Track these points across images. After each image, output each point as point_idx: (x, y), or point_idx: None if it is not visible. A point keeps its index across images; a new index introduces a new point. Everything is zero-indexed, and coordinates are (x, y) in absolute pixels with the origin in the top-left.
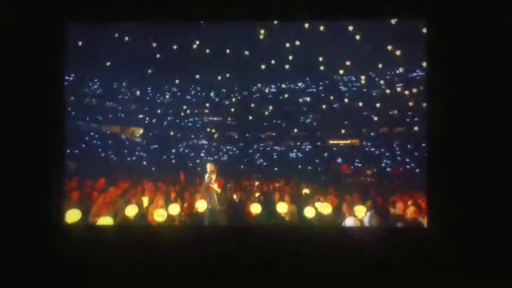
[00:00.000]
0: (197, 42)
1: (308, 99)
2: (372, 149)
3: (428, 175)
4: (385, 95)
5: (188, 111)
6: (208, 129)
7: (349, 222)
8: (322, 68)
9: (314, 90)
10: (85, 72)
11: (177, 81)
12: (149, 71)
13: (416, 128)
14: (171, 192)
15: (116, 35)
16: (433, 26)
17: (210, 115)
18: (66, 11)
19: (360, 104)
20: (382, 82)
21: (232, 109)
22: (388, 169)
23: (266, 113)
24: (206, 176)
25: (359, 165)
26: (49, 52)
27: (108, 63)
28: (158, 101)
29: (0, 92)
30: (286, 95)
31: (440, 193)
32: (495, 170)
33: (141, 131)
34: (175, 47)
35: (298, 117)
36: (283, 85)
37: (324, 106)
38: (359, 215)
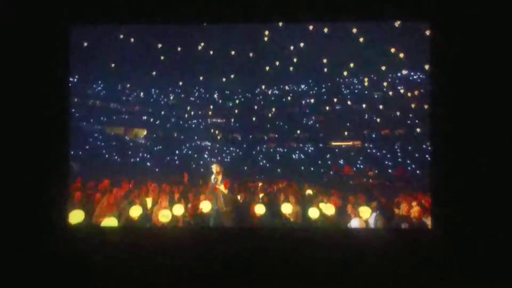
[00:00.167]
0: (202, 44)
1: (310, 101)
2: (374, 150)
3: (432, 176)
4: (387, 97)
5: (192, 113)
6: (212, 131)
7: (354, 223)
8: (325, 70)
9: (317, 92)
10: (89, 74)
11: (181, 83)
12: (153, 72)
13: (418, 130)
14: (175, 193)
15: (121, 36)
16: (437, 29)
17: (214, 116)
18: (70, 13)
19: (363, 106)
20: (384, 84)
21: (236, 111)
22: (390, 171)
23: (270, 115)
24: (212, 177)
25: (361, 166)
26: (53, 54)
27: (113, 65)
28: (162, 102)
29: (4, 92)
30: (289, 97)
31: (444, 194)
32: (498, 171)
33: (145, 132)
34: (179, 49)
35: (301, 119)
36: (286, 87)
37: (327, 108)
38: (364, 216)
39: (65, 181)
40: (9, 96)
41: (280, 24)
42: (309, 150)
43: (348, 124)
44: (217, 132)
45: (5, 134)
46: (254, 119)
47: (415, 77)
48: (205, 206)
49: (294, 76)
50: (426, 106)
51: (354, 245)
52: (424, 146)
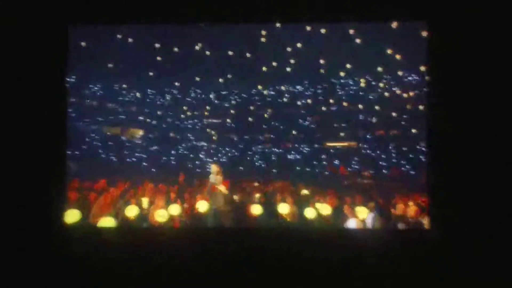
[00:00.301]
0: (199, 45)
1: (306, 101)
2: (368, 151)
3: (429, 177)
4: (382, 98)
5: (188, 113)
6: (208, 131)
7: (351, 223)
8: (321, 71)
9: (313, 93)
10: (86, 74)
11: (177, 83)
12: (150, 73)
13: (413, 131)
14: (171, 193)
15: (119, 36)
16: (434, 29)
17: (210, 117)
18: (69, 13)
19: (359, 107)
20: (380, 85)
21: (232, 111)
22: (385, 171)
23: (265, 115)
24: (211, 177)
25: (356, 167)
26: (53, 54)
27: (110, 65)
28: (158, 103)
29: (3, 92)
30: (285, 98)
31: (441, 195)
32: (496, 170)
33: (141, 132)
34: (176, 49)
35: (296, 119)
36: (282, 88)
37: (322, 109)
38: (361, 216)
39: (62, 180)
40: (7, 96)
41: (278, 25)
42: (305, 151)
43: (343, 125)
44: (213, 132)
45: (2, 133)
46: (250, 119)
47: (410, 78)
48: (202, 206)
49: (290, 76)
50: (421, 107)
51: (351, 245)
52: (418, 147)
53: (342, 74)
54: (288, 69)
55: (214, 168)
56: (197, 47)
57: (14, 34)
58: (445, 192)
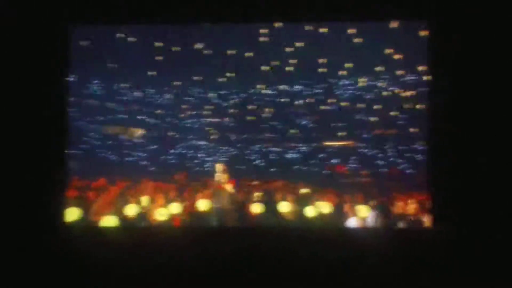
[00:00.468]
0: (198, 44)
1: (305, 101)
2: (366, 150)
3: (430, 175)
4: (381, 97)
5: (187, 112)
6: (207, 130)
7: (352, 222)
8: (320, 70)
9: (312, 92)
10: (86, 73)
11: (177, 83)
12: (150, 72)
13: (411, 130)
14: (170, 192)
15: (118, 35)
16: (434, 29)
17: (209, 116)
18: (70, 13)
19: (356, 106)
20: (379, 84)
21: (231, 111)
22: (383, 170)
23: (264, 115)
24: (217, 175)
25: (355, 165)
26: (53, 54)
27: (109, 64)
28: (158, 102)
29: (4, 92)
30: (284, 97)
31: (442, 193)
32: (498, 170)
33: (141, 131)
34: (176, 48)
35: (295, 118)
36: (282, 87)
37: (321, 108)
38: (362, 215)
39: (63, 178)
40: (8, 95)
41: (277, 25)
42: (303, 150)
43: (342, 124)
44: (212, 131)
45: (4, 132)
46: (249, 118)
47: (407, 78)
48: (203, 205)
49: (289, 76)
50: (417, 106)
51: (352, 244)
52: (416, 146)
53: (340, 73)
54: (287, 68)
55: (219, 167)
56: (196, 47)
57: (14, 34)
58: (446, 191)
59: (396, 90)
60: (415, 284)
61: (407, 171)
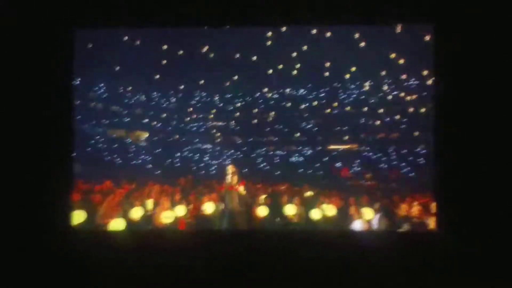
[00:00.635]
0: (203, 48)
1: (310, 104)
2: (370, 153)
3: (435, 178)
4: (384, 101)
5: (193, 116)
6: (212, 134)
7: (357, 225)
8: (325, 74)
9: (316, 96)
10: (91, 76)
11: (182, 86)
12: (155, 75)
13: (414, 134)
14: (175, 194)
15: (124, 39)
16: (441, 34)
17: (214, 119)
18: (74, 16)
19: (361, 110)
20: (383, 88)
21: (236, 114)
22: (387, 173)
23: (269, 118)
24: (228, 178)
25: (359, 169)
26: (58, 58)
27: (115, 67)
28: (163, 105)
29: (9, 95)
30: (288, 101)
31: (447, 196)
32: (504, 172)
33: (146, 135)
34: (181, 52)
35: (300, 122)
36: (287, 91)
37: (325, 112)
38: (367, 217)
39: (68, 182)
40: (13, 99)
41: (283, 29)
42: (308, 153)
43: (346, 127)
44: (217, 135)
45: (8, 136)
46: (254, 122)
47: (411, 82)
48: (208, 208)
49: (294, 80)
50: (422, 110)
51: (358, 246)
52: (419, 149)
53: (345, 77)
54: (292, 72)
55: (230, 169)
56: (201, 50)
57: (20, 37)
58: (451, 193)
59: (401, 94)
60: (417, 284)
61: (411, 174)
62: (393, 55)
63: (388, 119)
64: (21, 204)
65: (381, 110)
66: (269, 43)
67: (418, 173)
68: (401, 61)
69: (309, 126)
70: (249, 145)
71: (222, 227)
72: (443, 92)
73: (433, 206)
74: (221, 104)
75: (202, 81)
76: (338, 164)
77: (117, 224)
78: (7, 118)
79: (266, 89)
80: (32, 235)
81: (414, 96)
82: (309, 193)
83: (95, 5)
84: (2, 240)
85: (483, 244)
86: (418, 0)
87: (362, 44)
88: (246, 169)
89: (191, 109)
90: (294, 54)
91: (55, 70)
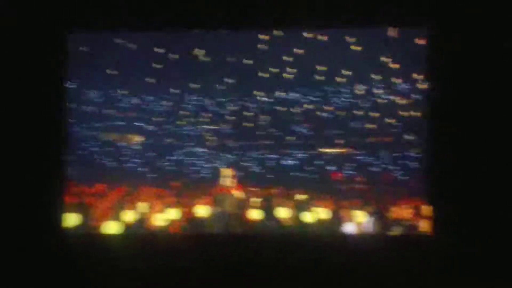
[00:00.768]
0: (197, 51)
1: (302, 108)
2: (363, 157)
3: (428, 181)
4: (377, 105)
5: (185, 119)
6: (205, 137)
7: (349, 227)
8: (317, 78)
9: (309, 100)
10: (84, 79)
11: (175, 90)
12: (148, 79)
13: (406, 137)
14: (169, 197)
15: (118, 42)
16: (433, 37)
17: (207, 123)
18: (69, 20)
19: (353, 113)
20: (375, 92)
21: (229, 118)
22: (379, 176)
23: (262, 122)
24: (226, 180)
25: (351, 172)
26: (52, 60)
27: (108, 71)
28: (156, 109)
29: (3, 97)
30: (281, 104)
31: (441, 198)
32: (499, 175)
33: (139, 138)
34: (174, 55)
35: (292, 126)
36: (279, 94)
37: (318, 115)
38: (359, 220)
39: (62, 184)
40: (6, 101)
41: (277, 32)
42: (301, 156)
43: (338, 131)
44: (211, 138)
45: (2, 138)
46: (246, 125)
47: (403, 86)
48: (202, 211)
49: (286, 83)
50: (414, 113)
51: (350, 249)
52: (411, 153)
53: (337, 80)
54: (284, 75)
55: (227, 171)
56: (194, 54)
57: (13, 40)
58: (445, 196)
59: (395, 99)
60: (415, 284)
61: (403, 177)
62: (385, 59)
63: (381, 122)
64: (14, 207)
65: (374, 114)
66: (262, 46)
67: (411, 176)
68: (394, 65)
69: (302, 129)
70: (242, 148)
71: (216, 230)
72: (438, 94)
73: (425, 209)
74: (215, 108)
75: (195, 85)
76: (331, 167)
77: (110, 227)
78: (0, 120)
79: (259, 93)
80: (25, 238)
81: (406, 100)
82: (302, 196)
83: (90, 8)
84: None
85: (478, 246)
86: (415, 3)
87: (355, 47)
88: (239, 173)
89: (185, 112)
90: (288, 57)
91: (48, 73)
